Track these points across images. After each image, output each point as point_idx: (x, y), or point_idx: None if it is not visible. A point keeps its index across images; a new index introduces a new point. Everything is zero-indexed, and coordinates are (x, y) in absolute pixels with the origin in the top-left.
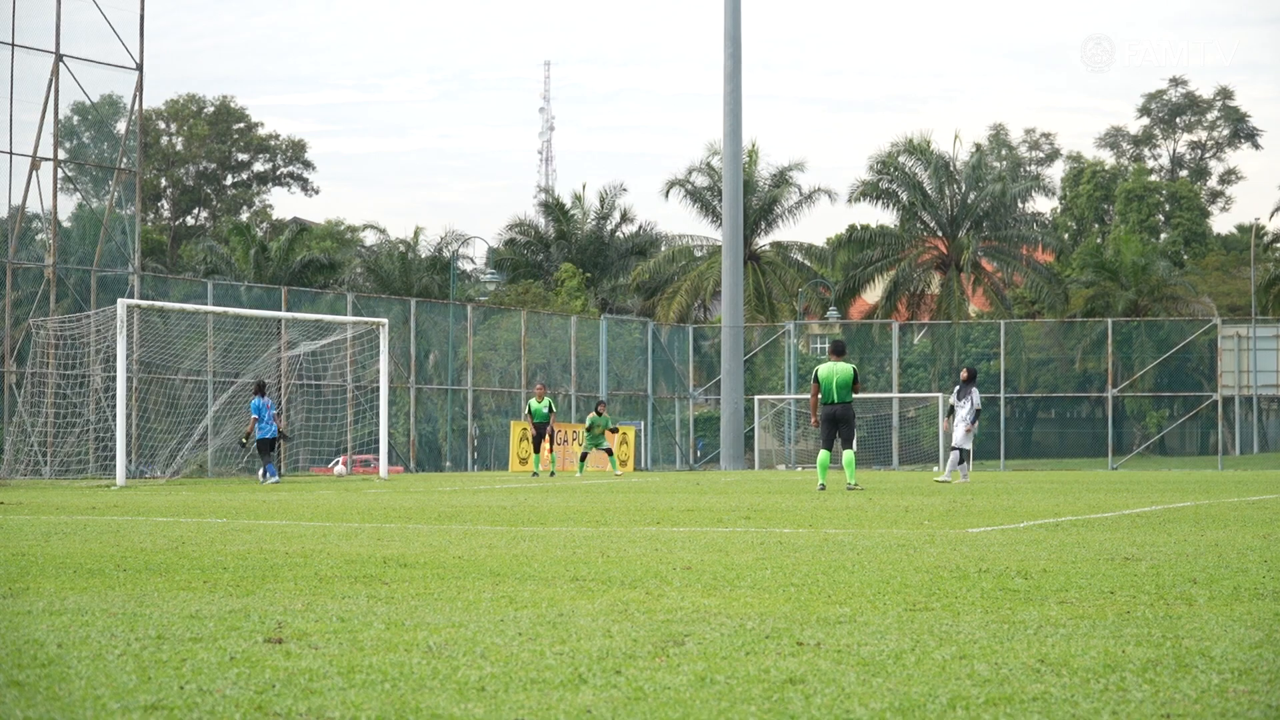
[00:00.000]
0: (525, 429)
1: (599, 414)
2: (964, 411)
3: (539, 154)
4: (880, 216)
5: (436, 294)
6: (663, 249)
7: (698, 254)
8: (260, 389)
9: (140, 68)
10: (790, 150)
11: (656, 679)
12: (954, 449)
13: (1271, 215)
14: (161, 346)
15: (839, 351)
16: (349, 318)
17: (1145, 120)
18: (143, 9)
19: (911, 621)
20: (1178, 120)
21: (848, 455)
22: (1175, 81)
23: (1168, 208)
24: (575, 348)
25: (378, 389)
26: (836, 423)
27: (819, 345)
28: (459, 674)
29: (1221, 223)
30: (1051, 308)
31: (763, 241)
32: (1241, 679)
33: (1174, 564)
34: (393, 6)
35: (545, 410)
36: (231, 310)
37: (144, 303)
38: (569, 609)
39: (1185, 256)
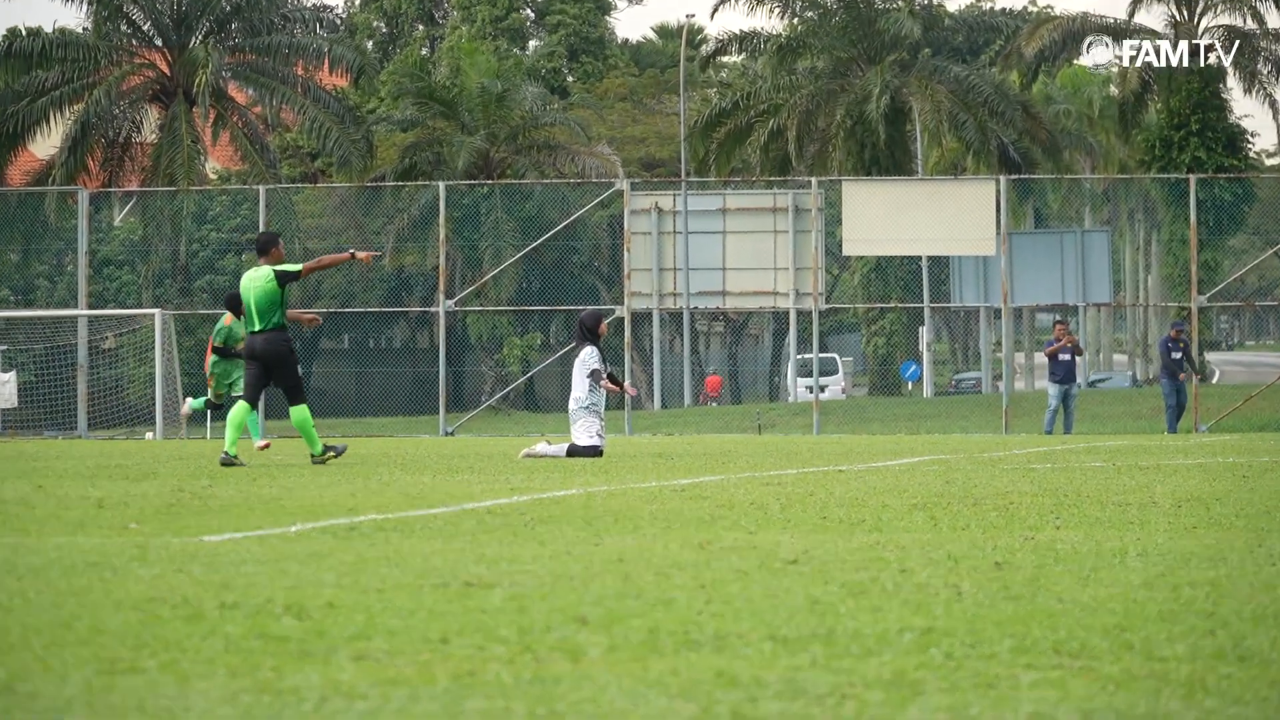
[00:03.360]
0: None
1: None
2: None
3: None
4: (61, 14)
5: None
6: None
7: None
8: None
9: None
10: None
11: None
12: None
13: None
14: None
15: (258, 249)
16: None
17: None
18: None
19: None
20: None
21: (298, 414)
22: None
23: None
24: None
25: None
26: (263, 364)
27: None
28: None
29: None
30: (346, 164)
31: None
32: None
33: None
34: None
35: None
36: None
37: None
38: None
39: None
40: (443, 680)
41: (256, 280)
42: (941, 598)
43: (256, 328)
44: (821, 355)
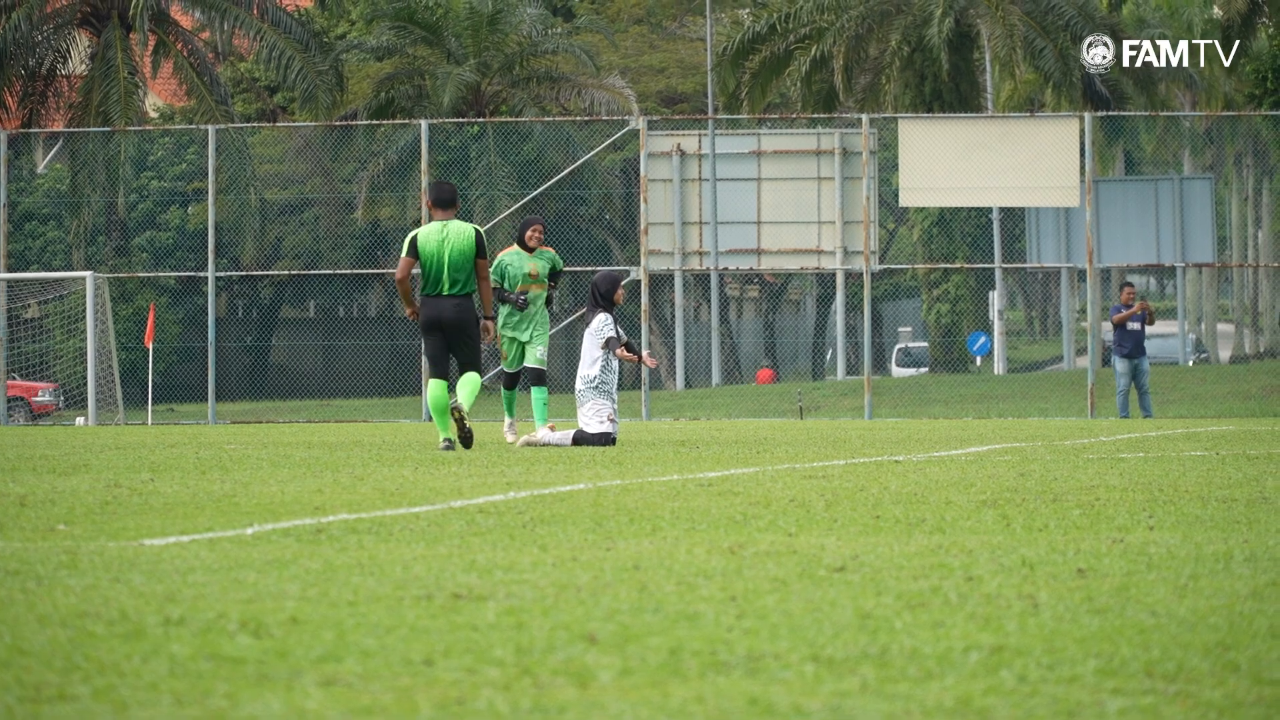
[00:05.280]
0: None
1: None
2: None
3: None
4: None
5: None
6: None
7: None
8: None
9: None
10: None
11: None
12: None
13: None
14: None
15: (447, 201)
16: None
17: None
18: None
19: None
20: None
21: (472, 378)
22: None
23: None
24: None
25: None
26: (451, 333)
27: None
28: None
29: None
30: (311, 100)
31: None
32: None
33: None
34: None
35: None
36: None
37: None
38: None
39: None
40: (426, 709)
41: (456, 238)
42: (1014, 611)
43: (446, 290)
44: (916, 344)
